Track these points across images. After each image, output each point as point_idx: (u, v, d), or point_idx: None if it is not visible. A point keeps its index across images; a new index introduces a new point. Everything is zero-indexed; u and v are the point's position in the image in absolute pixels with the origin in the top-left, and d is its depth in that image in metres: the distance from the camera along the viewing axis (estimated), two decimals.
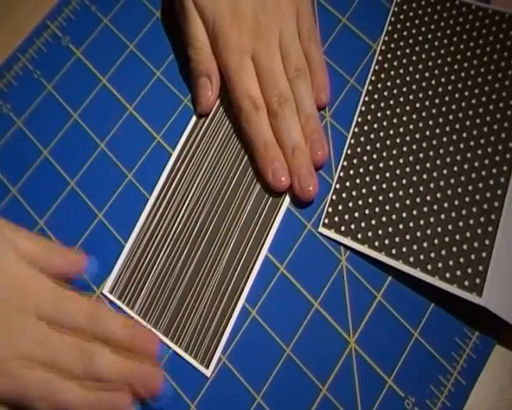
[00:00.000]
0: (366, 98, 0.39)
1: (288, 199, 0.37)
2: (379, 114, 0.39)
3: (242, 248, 0.36)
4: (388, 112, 0.39)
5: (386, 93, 0.39)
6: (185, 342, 0.34)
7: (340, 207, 0.37)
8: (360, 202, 0.37)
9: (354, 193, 0.37)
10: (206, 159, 0.37)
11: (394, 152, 0.38)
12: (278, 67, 0.36)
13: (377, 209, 0.37)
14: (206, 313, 0.34)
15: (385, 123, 0.38)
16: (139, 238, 0.35)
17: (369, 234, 0.36)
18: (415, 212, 0.36)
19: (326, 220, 0.37)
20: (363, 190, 0.37)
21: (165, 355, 0.34)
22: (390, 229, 0.36)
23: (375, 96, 0.39)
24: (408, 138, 0.38)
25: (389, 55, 0.40)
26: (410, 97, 0.39)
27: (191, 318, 0.34)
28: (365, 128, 0.38)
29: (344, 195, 0.37)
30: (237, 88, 0.36)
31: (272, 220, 0.36)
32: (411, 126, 0.38)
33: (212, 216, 0.36)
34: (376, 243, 0.36)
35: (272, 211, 0.37)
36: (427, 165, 0.37)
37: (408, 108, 0.39)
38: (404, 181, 0.37)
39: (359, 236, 0.36)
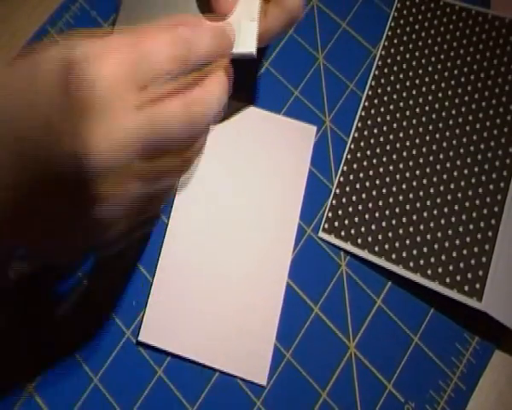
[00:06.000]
0: (366, 103, 0.39)
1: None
2: (379, 120, 0.39)
3: None
4: (388, 117, 0.39)
5: (386, 98, 0.39)
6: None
7: (339, 213, 0.37)
8: (360, 207, 0.37)
9: (354, 198, 0.37)
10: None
11: (394, 157, 0.38)
12: None
13: (377, 214, 0.37)
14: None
15: (385, 128, 0.39)
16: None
17: (369, 239, 0.36)
18: (415, 217, 0.36)
19: (326, 225, 0.37)
20: (363, 196, 0.37)
21: None
22: (390, 234, 0.36)
23: (375, 102, 0.39)
24: (408, 144, 0.38)
25: (389, 61, 0.40)
26: (410, 102, 0.39)
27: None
28: (365, 133, 0.39)
29: (344, 200, 0.37)
30: None
31: None
32: (411, 132, 0.38)
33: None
34: (376, 248, 0.36)
35: None
36: (427, 170, 0.37)
37: (408, 113, 0.39)
38: (403, 186, 0.37)
39: (359, 241, 0.36)
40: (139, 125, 0.21)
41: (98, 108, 0.20)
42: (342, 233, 0.37)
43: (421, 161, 0.37)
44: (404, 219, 0.36)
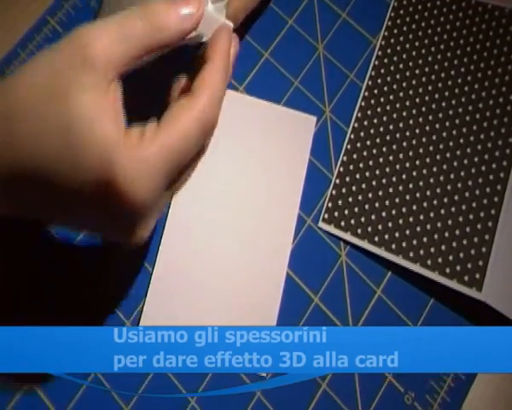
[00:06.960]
0: (366, 93, 0.39)
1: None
2: (379, 109, 0.39)
3: None
4: (388, 107, 0.39)
5: (385, 88, 0.39)
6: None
7: (339, 202, 0.37)
8: (360, 197, 0.37)
9: (354, 188, 0.37)
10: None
11: (394, 147, 0.38)
12: None
13: (377, 204, 0.37)
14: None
15: (385, 118, 0.38)
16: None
17: (369, 229, 0.36)
18: (414, 207, 0.36)
19: (326, 215, 0.37)
20: (363, 185, 0.37)
21: None
22: (390, 224, 0.36)
23: (375, 92, 0.39)
24: (407, 133, 0.38)
25: (389, 51, 0.40)
26: (410, 92, 0.39)
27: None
28: (365, 123, 0.38)
29: (344, 190, 0.37)
30: None
31: None
32: (411, 121, 0.38)
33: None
34: (376, 238, 0.36)
35: None
36: (427, 160, 0.37)
37: (407, 103, 0.39)
38: (403, 176, 0.37)
39: (359, 231, 0.36)
40: (167, 161, 0.23)
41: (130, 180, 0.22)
42: (342, 223, 0.36)
43: (420, 151, 0.37)
44: (403, 210, 0.36)
